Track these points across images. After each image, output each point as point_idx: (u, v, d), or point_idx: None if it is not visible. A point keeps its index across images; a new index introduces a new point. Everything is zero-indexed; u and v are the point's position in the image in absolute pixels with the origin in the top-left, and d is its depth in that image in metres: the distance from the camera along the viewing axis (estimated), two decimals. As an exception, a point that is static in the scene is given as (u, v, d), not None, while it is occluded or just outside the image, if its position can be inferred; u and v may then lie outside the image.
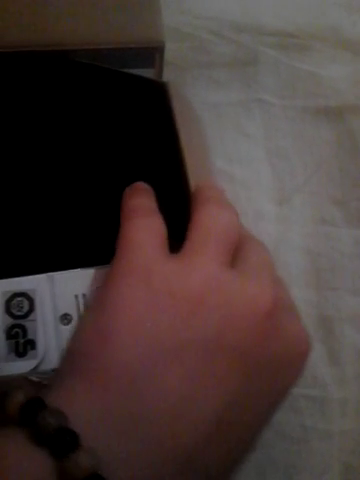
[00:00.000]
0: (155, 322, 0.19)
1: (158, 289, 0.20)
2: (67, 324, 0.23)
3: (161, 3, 0.27)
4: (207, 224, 0.22)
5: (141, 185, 0.25)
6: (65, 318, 0.23)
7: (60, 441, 0.17)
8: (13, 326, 0.22)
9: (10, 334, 0.22)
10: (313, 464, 0.31)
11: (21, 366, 0.22)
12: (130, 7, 0.27)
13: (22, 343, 0.22)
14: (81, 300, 0.23)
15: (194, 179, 0.26)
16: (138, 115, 0.28)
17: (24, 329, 0.22)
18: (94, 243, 0.25)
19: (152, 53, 0.28)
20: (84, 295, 0.23)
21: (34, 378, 0.23)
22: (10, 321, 0.22)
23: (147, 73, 0.29)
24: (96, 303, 0.21)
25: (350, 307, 0.32)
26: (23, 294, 0.22)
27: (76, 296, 0.23)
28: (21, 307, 0.22)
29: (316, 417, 0.31)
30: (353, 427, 0.31)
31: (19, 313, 0.22)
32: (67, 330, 0.23)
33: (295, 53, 0.32)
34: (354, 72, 0.32)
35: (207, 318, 0.19)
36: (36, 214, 0.25)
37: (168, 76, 0.32)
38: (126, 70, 0.28)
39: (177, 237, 0.24)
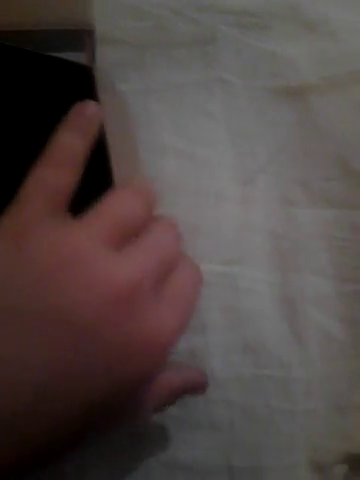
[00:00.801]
0: (4, 281, 0.19)
1: (23, 252, 0.20)
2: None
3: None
4: (110, 205, 0.22)
5: (89, 108, 0.24)
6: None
7: None
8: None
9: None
10: (279, 444, 0.31)
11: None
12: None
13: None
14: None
15: (118, 169, 0.26)
16: (60, 100, 0.27)
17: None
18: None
19: (82, 36, 0.28)
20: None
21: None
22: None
23: (78, 57, 0.28)
24: None
25: (313, 288, 0.32)
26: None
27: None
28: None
29: (281, 397, 0.31)
30: (317, 407, 0.31)
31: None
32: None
33: (255, 32, 0.32)
34: (314, 51, 0.32)
35: (54, 290, 0.19)
36: None
37: (126, 56, 0.31)
38: (55, 53, 0.27)
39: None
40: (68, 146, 0.23)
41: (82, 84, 0.27)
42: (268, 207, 0.32)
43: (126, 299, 0.20)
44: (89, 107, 0.24)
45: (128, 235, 0.22)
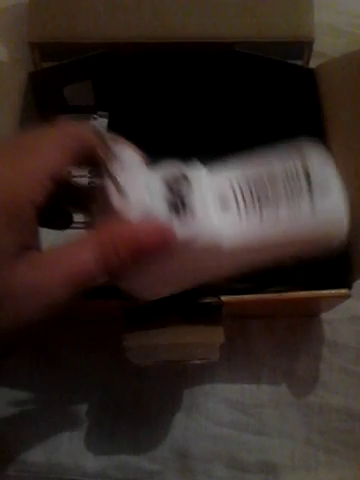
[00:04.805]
0: None
1: None
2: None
3: (317, 3, 0.33)
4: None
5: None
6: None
7: None
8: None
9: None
10: None
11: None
12: (286, 6, 0.33)
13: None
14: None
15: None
16: (290, 95, 0.34)
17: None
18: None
19: (302, 46, 0.33)
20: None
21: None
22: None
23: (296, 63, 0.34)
24: None
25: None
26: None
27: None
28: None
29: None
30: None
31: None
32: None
33: None
34: None
35: None
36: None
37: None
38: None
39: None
40: None
41: (304, 83, 0.33)
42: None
43: None
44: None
45: None
